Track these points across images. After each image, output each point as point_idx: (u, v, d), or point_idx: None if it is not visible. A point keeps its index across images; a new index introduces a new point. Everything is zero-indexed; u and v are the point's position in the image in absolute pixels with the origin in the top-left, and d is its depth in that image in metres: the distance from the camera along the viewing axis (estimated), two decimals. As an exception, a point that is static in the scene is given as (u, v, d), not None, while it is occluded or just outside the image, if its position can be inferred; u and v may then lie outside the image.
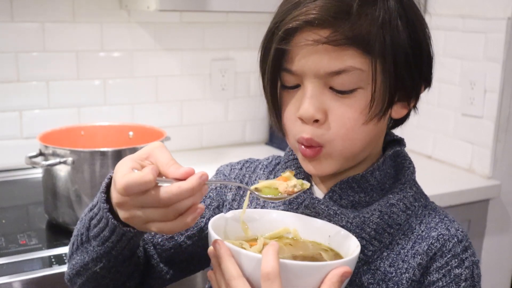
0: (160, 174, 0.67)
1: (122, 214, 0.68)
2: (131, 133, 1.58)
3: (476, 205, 1.79)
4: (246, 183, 0.91)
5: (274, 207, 0.86)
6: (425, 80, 0.81)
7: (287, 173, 0.78)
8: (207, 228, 0.88)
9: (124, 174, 0.65)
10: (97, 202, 0.75)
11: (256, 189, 0.76)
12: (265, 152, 2.03)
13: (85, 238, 0.78)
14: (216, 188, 0.92)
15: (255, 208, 0.88)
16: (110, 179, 0.73)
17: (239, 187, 0.90)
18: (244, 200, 0.77)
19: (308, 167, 0.80)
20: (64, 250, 1.25)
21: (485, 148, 1.82)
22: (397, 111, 0.81)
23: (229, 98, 2.09)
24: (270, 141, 2.14)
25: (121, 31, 1.86)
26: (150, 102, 1.96)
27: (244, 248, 0.71)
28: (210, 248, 0.70)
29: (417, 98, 0.81)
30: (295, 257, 0.73)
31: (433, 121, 2.01)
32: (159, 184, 0.65)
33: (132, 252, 0.80)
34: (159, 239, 0.89)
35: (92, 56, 1.84)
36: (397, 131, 0.88)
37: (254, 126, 2.15)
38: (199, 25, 1.98)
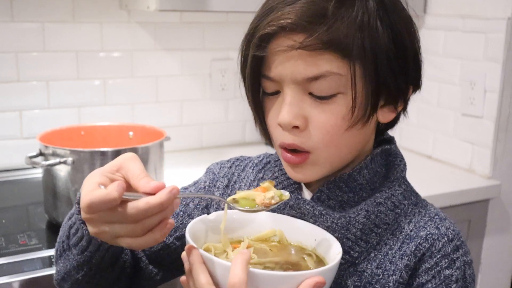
0: (130, 187, 0.66)
1: (90, 229, 0.67)
2: (131, 133, 1.58)
3: (476, 205, 1.79)
4: (235, 182, 0.90)
5: None
6: (413, 82, 0.78)
7: (267, 184, 0.76)
8: None
9: (89, 190, 0.63)
10: (74, 212, 0.74)
11: (234, 199, 0.74)
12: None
13: (66, 246, 0.77)
14: (204, 187, 0.91)
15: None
16: None
17: (226, 186, 0.89)
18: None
19: (292, 173, 0.78)
20: (64, 250, 1.25)
21: (485, 148, 1.82)
22: (384, 116, 0.78)
23: (229, 98, 2.08)
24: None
25: (121, 31, 1.86)
26: (150, 102, 1.96)
27: (226, 251, 0.70)
28: (183, 254, 0.68)
29: (405, 101, 0.78)
30: (276, 263, 0.71)
31: (433, 121, 2.01)
32: (127, 199, 0.63)
33: (114, 259, 0.78)
34: None
35: (92, 56, 1.84)
36: (397, 131, 0.86)
37: (254, 126, 2.14)
38: (199, 25, 1.98)
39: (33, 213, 1.50)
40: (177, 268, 0.90)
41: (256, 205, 0.73)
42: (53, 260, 1.20)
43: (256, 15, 0.75)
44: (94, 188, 0.64)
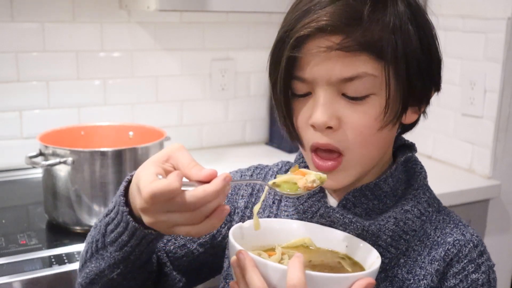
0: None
1: (146, 219, 0.67)
2: (131, 133, 1.58)
3: (476, 205, 1.79)
4: (258, 190, 0.91)
5: (287, 215, 0.85)
6: (435, 84, 0.81)
7: (296, 169, 0.76)
8: (219, 235, 0.89)
9: (150, 181, 0.64)
10: (114, 207, 0.74)
11: (274, 183, 0.74)
12: (265, 152, 2.03)
13: (101, 245, 0.78)
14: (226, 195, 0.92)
15: (268, 216, 0.88)
16: (128, 182, 0.73)
17: (250, 195, 0.90)
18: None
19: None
20: (64, 250, 1.24)
21: (485, 148, 1.82)
22: (408, 116, 0.80)
23: (229, 98, 2.08)
24: (270, 141, 2.14)
25: (121, 31, 1.86)
26: (150, 102, 1.96)
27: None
28: (233, 258, 0.69)
29: (427, 102, 0.81)
30: (314, 266, 0.73)
31: (433, 121, 2.00)
32: (182, 189, 0.64)
33: (149, 257, 0.80)
34: (171, 247, 0.89)
35: (92, 56, 1.84)
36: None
37: (254, 126, 2.15)
38: (199, 25, 1.98)
39: (33, 213, 1.50)
40: (199, 276, 0.92)
41: (299, 189, 0.74)
42: (53, 260, 1.20)
43: (287, 18, 0.76)
44: (153, 178, 0.64)
